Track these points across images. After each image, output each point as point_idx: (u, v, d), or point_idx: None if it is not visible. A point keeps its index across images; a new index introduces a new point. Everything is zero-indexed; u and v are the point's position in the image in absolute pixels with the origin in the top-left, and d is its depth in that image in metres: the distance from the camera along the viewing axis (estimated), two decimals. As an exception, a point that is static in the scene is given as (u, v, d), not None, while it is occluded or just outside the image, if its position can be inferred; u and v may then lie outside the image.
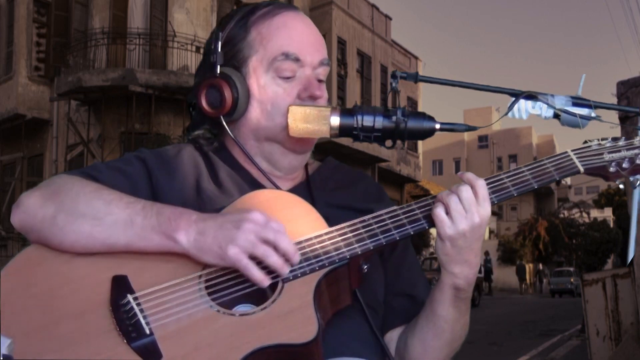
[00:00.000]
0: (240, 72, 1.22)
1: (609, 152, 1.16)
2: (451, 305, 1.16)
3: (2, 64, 17.20)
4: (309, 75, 1.22)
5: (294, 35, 1.22)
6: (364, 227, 1.10)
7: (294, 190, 1.24)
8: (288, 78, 1.21)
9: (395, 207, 1.13)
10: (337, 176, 1.34)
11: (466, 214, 1.08)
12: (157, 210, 1.04)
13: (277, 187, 1.21)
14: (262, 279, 1.00)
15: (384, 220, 1.12)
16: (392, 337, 1.26)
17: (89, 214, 1.04)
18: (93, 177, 1.14)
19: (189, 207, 1.12)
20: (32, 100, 16.35)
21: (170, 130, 14.85)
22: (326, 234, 1.09)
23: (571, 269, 32.48)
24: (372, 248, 1.09)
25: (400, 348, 1.24)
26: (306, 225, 1.10)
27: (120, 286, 1.02)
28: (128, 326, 0.98)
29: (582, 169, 1.16)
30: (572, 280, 29.14)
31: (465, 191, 1.08)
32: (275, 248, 1.01)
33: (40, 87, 16.59)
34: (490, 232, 39.35)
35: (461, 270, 1.12)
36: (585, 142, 1.17)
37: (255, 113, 1.21)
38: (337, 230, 1.10)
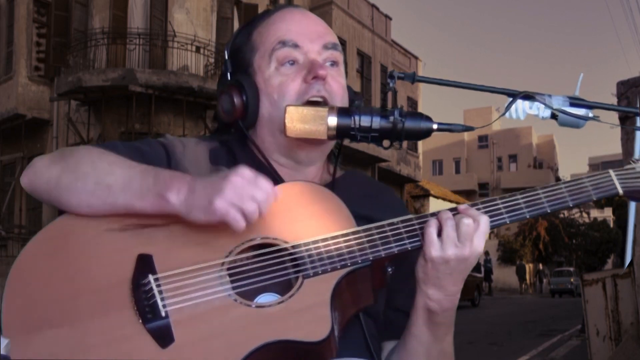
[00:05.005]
0: (248, 74, 1.24)
1: None
2: (425, 326, 1.14)
3: (2, 64, 17.19)
4: (313, 59, 1.22)
5: (290, 25, 1.24)
6: (391, 229, 1.10)
7: None
8: (291, 65, 1.22)
9: (427, 214, 1.12)
10: (361, 185, 1.33)
11: (458, 243, 1.06)
12: (154, 173, 1.06)
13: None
14: (239, 226, 1.00)
15: (412, 224, 1.11)
16: (383, 348, 1.25)
17: (91, 174, 1.06)
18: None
19: None
20: (32, 100, 16.34)
21: (170, 130, 14.83)
22: (352, 233, 1.08)
23: (571, 269, 32.46)
24: (396, 252, 1.09)
25: None
26: (335, 222, 1.10)
27: (144, 265, 1.03)
28: (145, 306, 0.99)
29: (621, 191, 1.14)
30: (572, 280, 29.11)
31: (467, 222, 1.06)
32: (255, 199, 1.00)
33: (40, 87, 16.58)
34: (490, 232, 39.30)
35: (435, 293, 1.10)
36: (630, 162, 1.15)
37: (265, 107, 1.22)
38: (363, 230, 1.09)
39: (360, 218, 1.14)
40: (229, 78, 1.26)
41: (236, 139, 1.29)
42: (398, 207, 1.33)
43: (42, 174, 1.09)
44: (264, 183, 1.02)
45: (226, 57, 1.28)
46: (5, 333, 0.95)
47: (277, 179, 1.21)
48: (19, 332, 0.96)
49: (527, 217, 1.11)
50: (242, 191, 0.99)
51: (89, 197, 1.05)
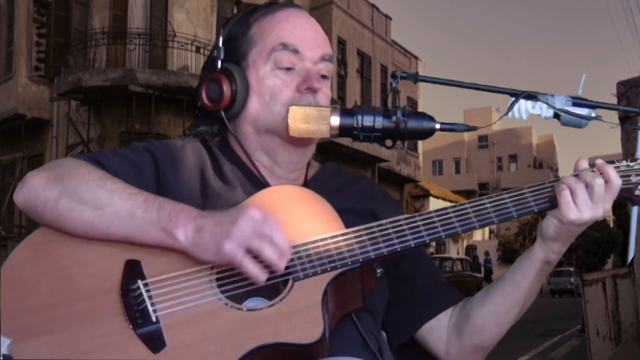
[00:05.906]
0: (240, 67, 1.23)
1: (637, 175, 1.15)
2: (535, 279, 1.19)
3: (2, 64, 17.19)
4: (310, 68, 1.22)
5: (293, 29, 1.23)
6: (380, 231, 1.10)
7: None
8: (288, 70, 1.21)
9: (415, 214, 1.13)
10: (337, 179, 1.33)
11: (592, 205, 1.09)
12: (158, 205, 1.04)
13: (268, 184, 1.21)
14: (258, 274, 0.99)
15: (400, 225, 1.11)
16: (431, 326, 1.26)
17: (90, 203, 1.04)
18: (99, 163, 1.13)
19: (194, 201, 1.13)
20: (32, 100, 16.34)
21: (170, 130, 14.84)
22: (341, 235, 1.09)
23: (571, 269, 32.46)
24: (385, 253, 1.09)
25: (457, 324, 1.25)
26: (323, 224, 1.10)
27: (133, 271, 1.02)
28: (135, 312, 0.99)
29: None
30: (572, 280, 29.14)
31: (599, 184, 1.09)
32: (271, 242, 0.99)
33: (40, 87, 16.58)
34: (490, 232, 39.35)
35: (558, 247, 1.15)
36: (614, 162, 1.16)
37: (254, 105, 1.21)
38: (352, 232, 1.09)
39: (343, 211, 1.13)
40: (219, 64, 1.23)
41: (214, 136, 1.28)
42: (377, 192, 1.34)
43: (39, 194, 1.06)
44: (272, 220, 1.00)
45: (220, 43, 1.24)
46: None
47: (262, 181, 1.21)
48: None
49: (516, 216, 1.13)
50: (250, 232, 0.98)
51: (87, 227, 1.04)
